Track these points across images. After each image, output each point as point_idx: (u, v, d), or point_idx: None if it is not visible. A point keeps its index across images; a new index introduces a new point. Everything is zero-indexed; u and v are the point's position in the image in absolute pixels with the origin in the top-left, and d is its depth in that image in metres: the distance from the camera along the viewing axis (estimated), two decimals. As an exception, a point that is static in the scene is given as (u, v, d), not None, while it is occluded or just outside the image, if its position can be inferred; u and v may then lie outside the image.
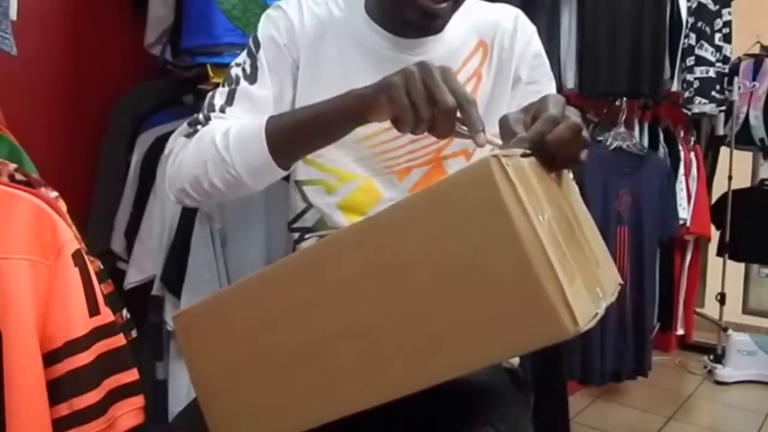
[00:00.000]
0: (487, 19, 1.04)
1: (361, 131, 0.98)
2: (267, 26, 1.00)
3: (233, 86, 0.98)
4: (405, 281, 0.63)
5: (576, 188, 0.83)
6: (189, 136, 0.95)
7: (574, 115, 0.71)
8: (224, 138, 0.88)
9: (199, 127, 0.95)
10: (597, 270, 0.71)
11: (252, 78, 0.98)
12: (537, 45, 1.06)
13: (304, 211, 1.06)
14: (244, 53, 1.01)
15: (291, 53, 1.00)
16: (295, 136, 0.87)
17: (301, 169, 1.04)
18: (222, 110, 0.97)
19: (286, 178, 1.07)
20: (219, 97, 0.98)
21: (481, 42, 1.03)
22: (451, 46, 1.01)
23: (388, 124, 0.98)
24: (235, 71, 0.99)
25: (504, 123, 0.73)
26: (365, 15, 1.00)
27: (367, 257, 0.65)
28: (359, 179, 1.01)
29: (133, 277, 1.59)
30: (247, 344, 0.72)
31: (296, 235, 1.07)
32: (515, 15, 1.04)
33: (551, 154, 0.70)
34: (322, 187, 1.03)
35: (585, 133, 0.71)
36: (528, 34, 1.05)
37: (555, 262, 0.57)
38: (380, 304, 0.64)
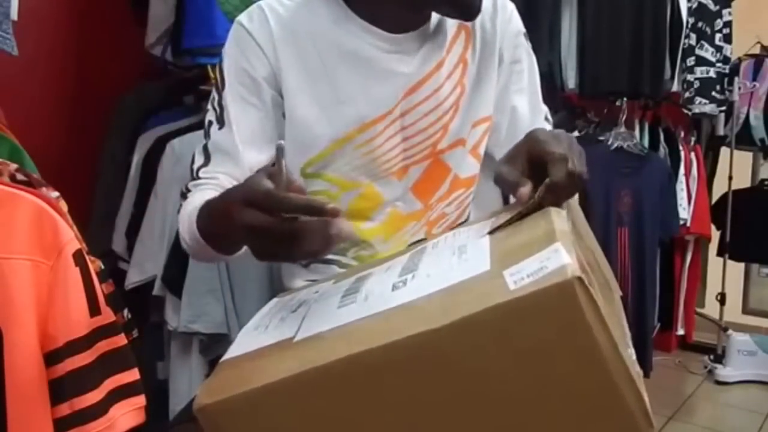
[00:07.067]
0: None
1: (359, 138, 0.97)
2: (237, 57, 0.95)
3: (206, 140, 0.97)
4: (472, 396, 0.61)
5: (578, 208, 0.83)
6: (184, 202, 0.95)
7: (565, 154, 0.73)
8: (182, 223, 0.90)
9: (187, 197, 0.94)
10: (616, 306, 0.72)
11: (220, 121, 0.96)
12: (518, 22, 1.05)
13: None
14: (214, 88, 0.98)
15: (269, 84, 0.96)
16: (213, 240, 0.85)
17: (302, 182, 1.01)
18: (199, 176, 0.96)
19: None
20: (198, 157, 0.97)
21: (462, 26, 1.01)
22: (434, 37, 0.99)
23: (381, 127, 0.98)
24: (209, 117, 0.97)
25: (502, 178, 0.76)
26: (346, 10, 0.95)
27: (429, 368, 0.61)
28: (360, 186, 1.00)
29: (134, 277, 1.59)
30: None
31: None
32: None
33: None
34: (324, 197, 1.00)
35: (581, 173, 0.73)
36: (508, 12, 1.03)
37: (636, 378, 0.59)
38: (441, 417, 0.62)
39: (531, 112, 1.06)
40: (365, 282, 0.76)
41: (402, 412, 0.63)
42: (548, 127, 1.07)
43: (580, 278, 0.56)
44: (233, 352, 0.76)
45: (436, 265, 0.71)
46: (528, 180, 0.75)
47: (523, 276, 0.58)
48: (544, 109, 1.10)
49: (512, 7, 1.05)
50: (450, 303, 0.62)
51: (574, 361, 0.58)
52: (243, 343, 0.77)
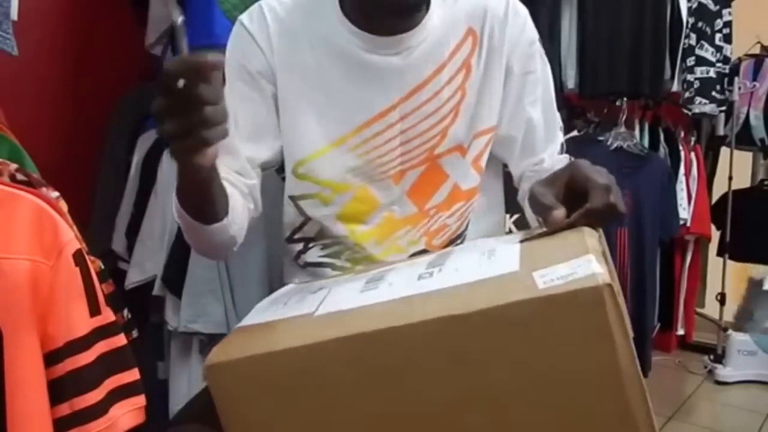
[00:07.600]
0: (475, 4, 0.99)
1: (352, 140, 0.97)
2: (237, 55, 0.96)
3: None
4: (481, 385, 0.62)
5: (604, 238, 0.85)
6: None
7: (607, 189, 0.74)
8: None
9: None
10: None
11: None
12: (531, 32, 1.02)
13: (303, 224, 1.04)
14: None
15: (267, 79, 0.96)
16: (193, 203, 0.88)
17: (295, 185, 1.01)
18: None
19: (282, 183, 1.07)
20: None
21: (470, 30, 0.98)
22: (435, 38, 0.97)
23: (377, 129, 0.98)
24: None
25: (536, 200, 0.77)
26: (340, 14, 0.95)
27: (446, 353, 0.62)
28: (354, 188, 0.99)
29: (134, 277, 1.59)
30: (296, 415, 0.67)
31: (300, 245, 1.06)
32: (506, 0, 1.00)
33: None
34: (318, 200, 1.00)
35: (620, 207, 0.74)
36: (521, 20, 1.01)
37: (646, 390, 0.60)
38: (450, 403, 0.63)
39: (545, 122, 1.05)
40: (389, 273, 0.77)
41: (414, 394, 0.63)
42: (560, 135, 1.07)
43: (609, 285, 0.57)
44: (248, 321, 0.77)
45: (464, 263, 0.72)
46: (562, 206, 0.75)
47: (553, 278, 0.59)
48: (558, 117, 1.08)
49: (525, 13, 1.02)
50: (476, 294, 0.63)
51: (589, 365, 0.59)
52: (258, 316, 0.78)
